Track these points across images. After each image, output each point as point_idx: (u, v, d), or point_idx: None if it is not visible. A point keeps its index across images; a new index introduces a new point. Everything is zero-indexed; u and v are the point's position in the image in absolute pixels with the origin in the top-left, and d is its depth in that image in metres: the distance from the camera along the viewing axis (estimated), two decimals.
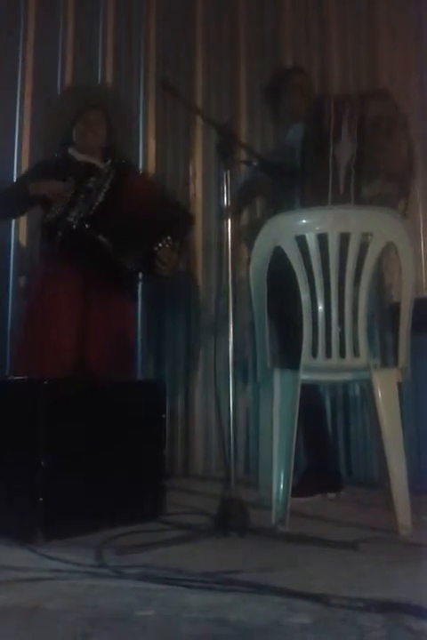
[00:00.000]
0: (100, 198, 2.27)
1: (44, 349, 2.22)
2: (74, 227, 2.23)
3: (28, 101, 3.37)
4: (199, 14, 3.42)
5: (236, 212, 2.45)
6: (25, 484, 1.61)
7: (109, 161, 2.42)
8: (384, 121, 2.12)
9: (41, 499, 1.57)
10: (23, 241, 3.26)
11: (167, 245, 2.38)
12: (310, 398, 2.19)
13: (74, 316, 2.30)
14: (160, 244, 2.36)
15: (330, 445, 2.60)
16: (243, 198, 2.68)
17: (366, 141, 2.10)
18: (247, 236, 2.56)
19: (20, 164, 3.30)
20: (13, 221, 3.25)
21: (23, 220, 3.24)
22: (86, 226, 2.22)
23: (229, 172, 1.85)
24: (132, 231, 2.28)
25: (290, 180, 2.29)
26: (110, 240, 2.24)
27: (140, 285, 2.82)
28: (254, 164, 2.41)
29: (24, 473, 1.62)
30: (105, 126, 2.54)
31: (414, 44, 3.27)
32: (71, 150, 2.49)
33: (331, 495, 2.32)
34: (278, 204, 2.39)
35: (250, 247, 2.12)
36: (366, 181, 2.08)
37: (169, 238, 2.38)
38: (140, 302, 3.16)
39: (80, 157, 2.47)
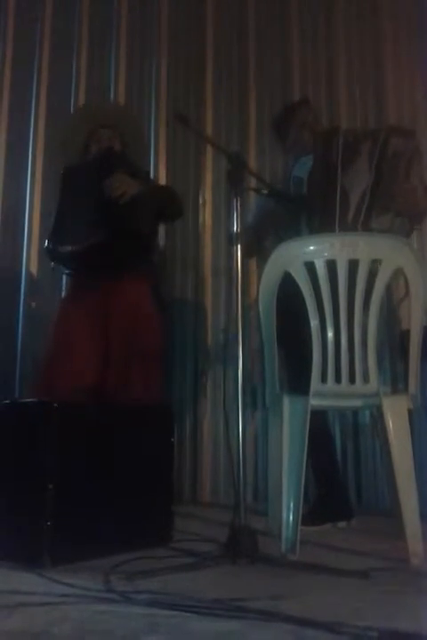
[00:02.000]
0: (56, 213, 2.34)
1: (63, 375, 2.21)
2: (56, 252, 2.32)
3: (40, 132, 3.43)
4: (209, 45, 3.51)
5: (247, 239, 2.47)
6: (33, 507, 1.60)
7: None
8: (404, 158, 2.13)
9: (49, 523, 1.56)
10: (33, 266, 3.29)
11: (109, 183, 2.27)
12: (319, 426, 2.18)
13: (94, 337, 2.28)
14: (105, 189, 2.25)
15: (340, 474, 2.57)
16: (253, 227, 2.69)
17: (384, 176, 2.10)
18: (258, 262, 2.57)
19: (32, 189, 3.35)
20: (25, 246, 3.30)
21: (34, 245, 3.29)
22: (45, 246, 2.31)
23: (238, 199, 1.87)
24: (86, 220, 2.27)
25: (297, 209, 2.31)
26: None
27: None
28: (264, 191, 2.44)
29: (32, 496, 1.61)
30: (119, 143, 2.52)
31: (421, 77, 3.33)
32: None
33: (341, 524, 2.29)
34: (286, 233, 2.41)
35: (259, 273, 2.13)
36: (377, 214, 2.09)
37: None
38: None
39: None
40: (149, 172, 2.75)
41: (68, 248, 2.26)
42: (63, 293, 2.52)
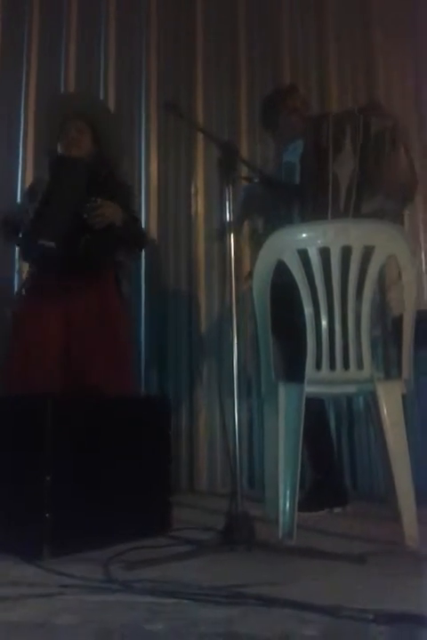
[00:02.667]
0: (36, 205, 2.30)
1: (28, 369, 2.21)
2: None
3: (30, 126, 3.40)
4: (199, 34, 3.48)
5: (237, 226, 2.47)
6: (31, 499, 1.61)
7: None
8: (387, 135, 2.14)
9: (47, 514, 1.57)
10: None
11: (94, 204, 2.28)
12: (314, 413, 2.20)
13: (55, 327, 2.28)
14: (88, 206, 2.27)
15: (335, 460, 2.59)
16: (243, 214, 2.70)
17: (369, 156, 2.12)
18: (252, 249, 2.58)
19: (23, 180, 3.32)
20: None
21: None
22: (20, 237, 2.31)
23: (230, 187, 1.87)
24: (64, 219, 2.27)
25: (289, 195, 2.31)
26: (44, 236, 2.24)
27: (143, 297, 2.75)
28: (256, 179, 2.44)
29: (30, 488, 1.62)
30: (89, 136, 2.50)
31: (411, 58, 3.33)
32: None
33: (337, 510, 2.31)
34: (278, 220, 2.41)
35: (253, 261, 2.14)
36: (367, 197, 2.10)
37: (93, 199, 2.28)
38: (142, 319, 3.18)
39: None
40: (131, 187, 2.72)
41: (51, 244, 2.22)
42: (22, 289, 2.49)
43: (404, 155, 2.16)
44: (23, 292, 2.47)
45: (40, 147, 3.24)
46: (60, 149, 2.49)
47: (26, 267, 2.64)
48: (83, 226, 2.25)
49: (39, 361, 2.23)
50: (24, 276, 2.62)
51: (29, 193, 2.52)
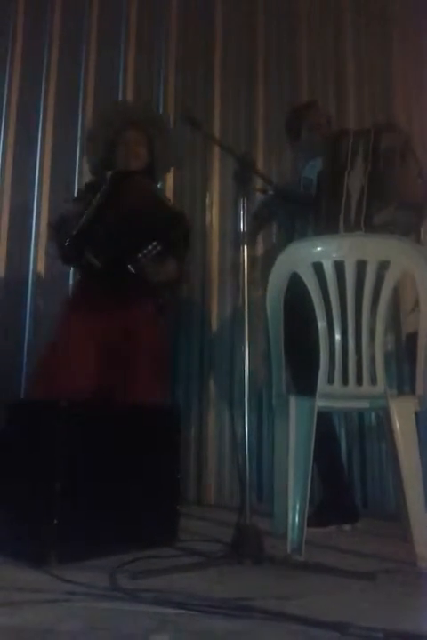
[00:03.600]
0: (90, 214, 2.23)
1: (60, 376, 2.19)
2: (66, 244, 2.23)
3: (49, 133, 3.44)
4: (218, 45, 3.51)
5: (251, 239, 2.48)
6: (40, 505, 1.61)
7: (109, 173, 2.35)
8: (397, 151, 2.17)
9: (56, 521, 1.56)
10: (41, 267, 3.30)
11: (153, 251, 2.21)
12: (325, 428, 2.18)
13: (92, 341, 2.25)
14: (145, 251, 2.21)
15: (345, 476, 2.57)
16: (257, 226, 2.72)
17: (379, 171, 2.14)
18: (263, 263, 2.59)
19: (40, 190, 3.36)
20: (32, 247, 3.30)
21: (41, 245, 3.30)
22: (66, 243, 2.21)
23: (245, 199, 1.87)
24: (117, 240, 2.20)
25: (305, 208, 2.32)
26: (93, 251, 2.19)
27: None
28: (271, 192, 2.45)
29: (39, 495, 1.62)
30: (146, 146, 2.47)
31: None
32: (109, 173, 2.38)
33: (346, 527, 2.28)
34: (292, 232, 2.42)
35: (265, 274, 2.14)
36: (377, 209, 2.11)
37: (154, 243, 2.20)
38: None
39: None
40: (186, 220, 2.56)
41: (95, 261, 2.17)
42: (69, 294, 2.49)
43: (414, 169, 2.18)
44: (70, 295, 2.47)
45: (57, 168, 3.28)
46: (117, 158, 2.44)
47: None
48: (130, 251, 2.20)
49: (68, 367, 2.21)
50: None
51: (79, 197, 2.45)
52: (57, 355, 2.26)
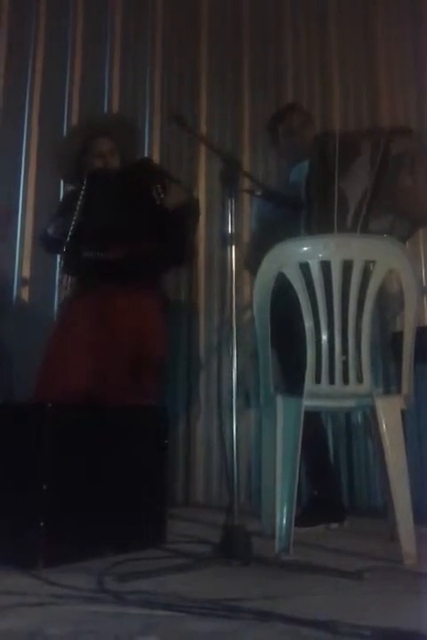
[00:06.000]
0: (78, 218, 2.32)
1: (60, 377, 2.21)
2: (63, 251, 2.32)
3: (34, 136, 3.42)
4: (204, 45, 3.51)
5: (252, 256, 2.49)
6: (26, 508, 1.59)
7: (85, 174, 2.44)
8: (408, 156, 2.13)
9: (42, 523, 1.55)
10: (26, 270, 3.29)
11: (160, 192, 2.33)
12: (313, 427, 2.18)
13: (94, 343, 2.26)
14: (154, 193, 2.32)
15: (333, 475, 2.58)
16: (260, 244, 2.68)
17: (386, 177, 2.10)
18: (250, 262, 2.57)
19: (25, 193, 3.34)
20: (17, 249, 3.29)
21: (27, 248, 3.28)
22: (64, 250, 2.30)
23: (232, 200, 1.87)
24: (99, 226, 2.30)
25: (294, 212, 2.31)
26: (91, 249, 2.28)
27: None
28: (258, 193, 2.44)
29: (26, 497, 1.61)
30: (117, 156, 2.53)
31: (413, 77, 3.35)
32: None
33: (334, 526, 2.29)
34: (283, 235, 2.41)
35: (253, 274, 2.13)
36: (376, 215, 2.08)
37: (157, 186, 2.33)
38: None
39: None
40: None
41: (98, 254, 2.27)
42: (66, 295, 2.49)
43: (423, 178, 2.14)
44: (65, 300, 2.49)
45: (43, 160, 3.27)
46: (94, 164, 2.49)
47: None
48: (123, 235, 2.30)
49: (68, 368, 2.23)
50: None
51: (63, 208, 2.53)
52: (60, 355, 2.28)
